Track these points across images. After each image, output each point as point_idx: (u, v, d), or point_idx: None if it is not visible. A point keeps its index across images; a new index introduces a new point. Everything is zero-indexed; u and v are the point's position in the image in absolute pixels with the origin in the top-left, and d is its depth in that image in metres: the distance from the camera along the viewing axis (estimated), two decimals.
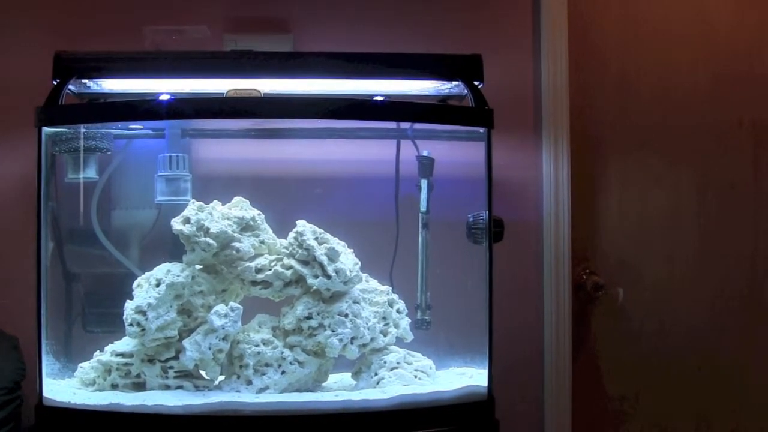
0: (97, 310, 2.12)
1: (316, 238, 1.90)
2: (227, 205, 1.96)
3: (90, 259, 2.12)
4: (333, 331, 1.86)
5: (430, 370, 1.96)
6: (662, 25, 2.64)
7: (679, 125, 2.64)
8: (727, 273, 2.67)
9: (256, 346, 1.85)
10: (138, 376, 1.85)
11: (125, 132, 2.11)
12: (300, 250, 1.89)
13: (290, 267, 1.90)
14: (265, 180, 2.23)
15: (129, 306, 1.82)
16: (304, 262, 1.90)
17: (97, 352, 1.91)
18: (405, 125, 2.16)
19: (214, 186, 2.12)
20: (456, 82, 2.01)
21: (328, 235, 1.93)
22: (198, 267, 1.91)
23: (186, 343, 1.81)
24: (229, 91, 1.91)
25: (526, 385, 2.46)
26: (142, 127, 2.11)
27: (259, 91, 1.91)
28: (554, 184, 2.44)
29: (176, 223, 1.87)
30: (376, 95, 2.05)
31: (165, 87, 1.99)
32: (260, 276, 1.90)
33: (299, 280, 1.91)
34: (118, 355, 1.86)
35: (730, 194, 2.67)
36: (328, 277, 1.87)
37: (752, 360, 2.68)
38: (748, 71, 2.68)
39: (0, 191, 2.26)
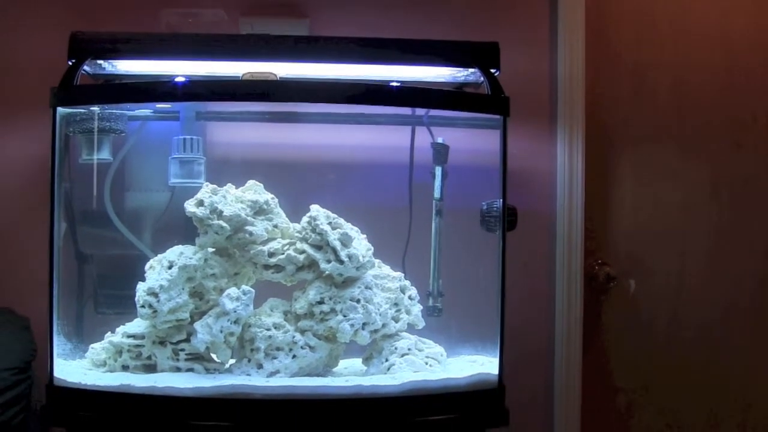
0: (109, 291, 2.12)
1: (329, 223, 1.90)
2: (241, 188, 1.95)
3: (103, 240, 2.12)
4: (345, 316, 1.86)
5: (441, 357, 1.96)
6: (678, 17, 2.63)
7: (694, 119, 2.63)
8: (739, 268, 2.66)
9: (268, 330, 1.85)
10: (149, 357, 1.85)
11: (140, 114, 2.10)
12: (313, 235, 1.89)
13: (303, 251, 1.90)
14: (279, 164, 2.22)
15: (141, 288, 1.82)
16: (317, 247, 1.89)
17: (109, 334, 1.91)
18: (420, 112, 2.16)
19: (228, 169, 2.11)
20: (472, 70, 2.00)
21: (341, 221, 1.92)
22: (210, 250, 1.91)
23: (197, 325, 1.81)
24: (244, 74, 1.90)
25: (536, 374, 2.46)
26: (151, 109, 2.11)
27: (275, 75, 1.90)
28: (568, 174, 2.43)
29: (190, 206, 1.87)
30: (392, 81, 2.04)
31: (180, 69, 1.99)
32: (273, 260, 1.90)
33: (312, 264, 1.90)
34: (129, 336, 1.86)
35: (744, 189, 2.66)
36: (341, 262, 1.87)
37: (762, 354, 2.67)
38: (764, 65, 2.66)
39: (14, 171, 2.27)
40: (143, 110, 2.11)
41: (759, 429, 2.68)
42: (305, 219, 1.92)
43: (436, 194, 2.15)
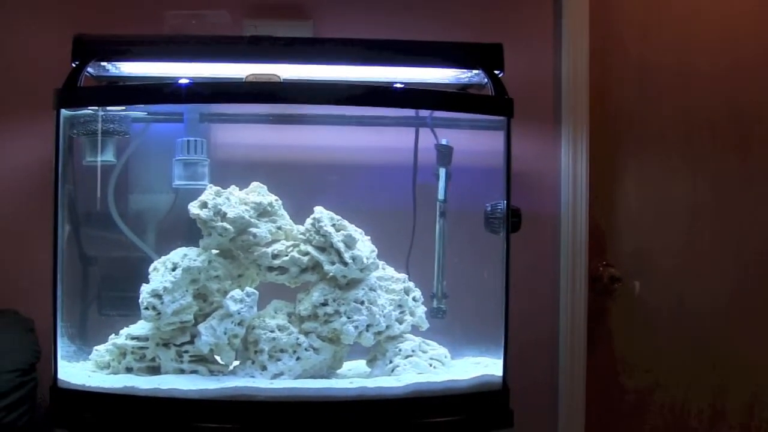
0: (113, 293, 2.12)
1: (333, 225, 1.89)
2: (244, 190, 1.95)
3: (106, 242, 2.12)
4: (349, 318, 1.85)
5: (445, 359, 1.96)
6: (685, 17, 2.62)
7: (700, 119, 2.62)
8: (744, 266, 2.65)
9: (272, 331, 1.85)
10: (153, 359, 1.85)
11: (143, 116, 2.10)
12: (317, 237, 1.88)
13: (307, 253, 1.90)
14: (283, 166, 2.22)
15: (145, 290, 1.82)
16: (321, 249, 1.89)
17: (113, 336, 1.90)
18: (424, 113, 2.16)
19: (232, 171, 2.11)
20: (476, 71, 1.99)
21: (345, 222, 1.92)
22: (214, 252, 1.91)
23: (201, 327, 1.81)
24: (248, 75, 1.90)
25: (540, 376, 2.46)
26: (148, 112, 2.11)
27: (278, 77, 1.90)
28: (572, 175, 2.43)
29: (193, 208, 1.87)
30: (396, 83, 2.04)
31: (184, 71, 1.98)
32: (277, 262, 1.90)
33: (316, 266, 1.90)
34: (133, 338, 1.86)
35: (749, 187, 2.65)
36: (345, 263, 1.86)
37: None
38: None
39: (18, 173, 2.27)
40: (147, 112, 2.10)
41: (765, 426, 2.67)
42: (309, 221, 1.92)
43: (440, 196, 2.15)
